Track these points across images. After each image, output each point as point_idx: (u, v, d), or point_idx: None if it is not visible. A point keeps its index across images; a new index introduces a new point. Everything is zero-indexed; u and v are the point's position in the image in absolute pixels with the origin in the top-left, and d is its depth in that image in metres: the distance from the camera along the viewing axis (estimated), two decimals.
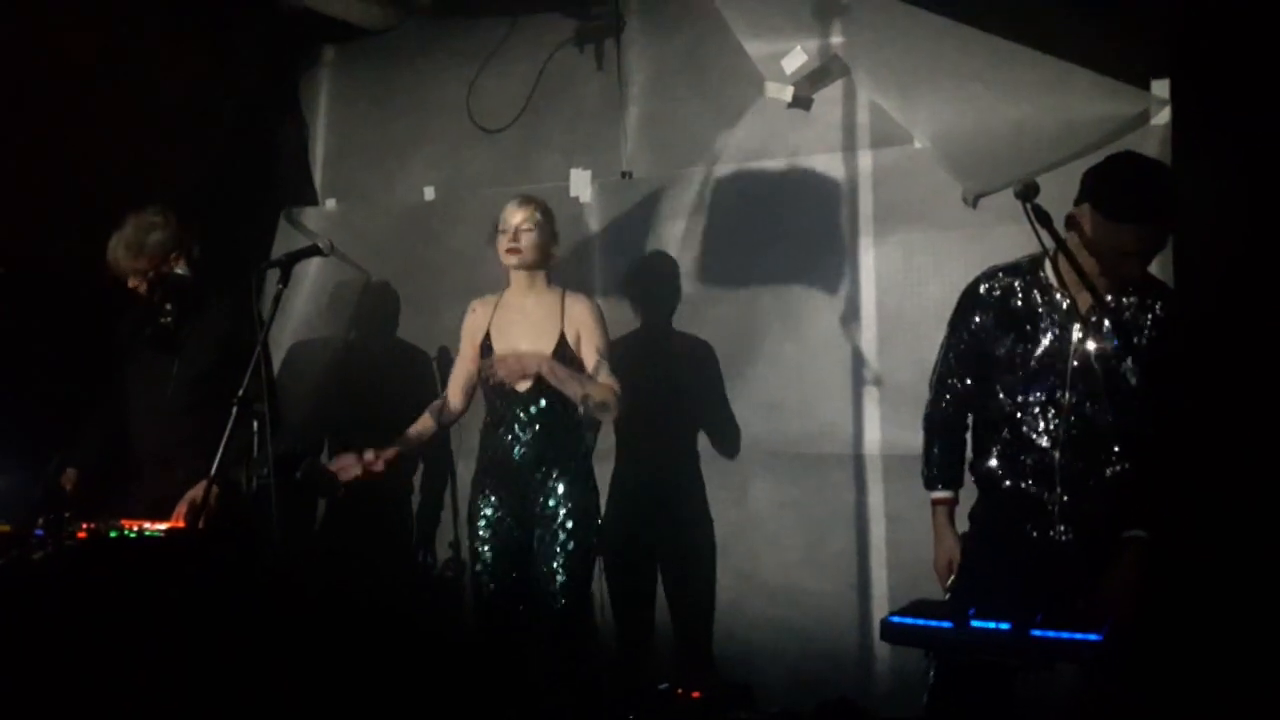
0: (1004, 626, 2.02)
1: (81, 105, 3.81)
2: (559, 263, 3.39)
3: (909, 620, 2.09)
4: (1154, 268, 2.89)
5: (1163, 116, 3.21)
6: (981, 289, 2.67)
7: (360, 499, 4.33)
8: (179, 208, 3.57)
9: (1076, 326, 2.52)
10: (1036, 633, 1.99)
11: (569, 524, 3.21)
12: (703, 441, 3.89)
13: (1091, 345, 2.49)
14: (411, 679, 3.71)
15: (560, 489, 3.23)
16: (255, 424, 2.80)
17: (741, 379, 3.83)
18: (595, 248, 4.10)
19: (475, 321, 3.38)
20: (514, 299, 3.33)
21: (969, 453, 2.75)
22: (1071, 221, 2.49)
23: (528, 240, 3.24)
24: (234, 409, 2.76)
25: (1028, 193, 2.38)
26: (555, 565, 3.19)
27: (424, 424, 3.39)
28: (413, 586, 4.19)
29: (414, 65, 4.48)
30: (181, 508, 3.20)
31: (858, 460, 3.60)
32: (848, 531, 3.60)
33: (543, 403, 3.24)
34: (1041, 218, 2.33)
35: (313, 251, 2.99)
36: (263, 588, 3.00)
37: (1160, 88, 3.22)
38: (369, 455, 3.23)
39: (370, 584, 3.95)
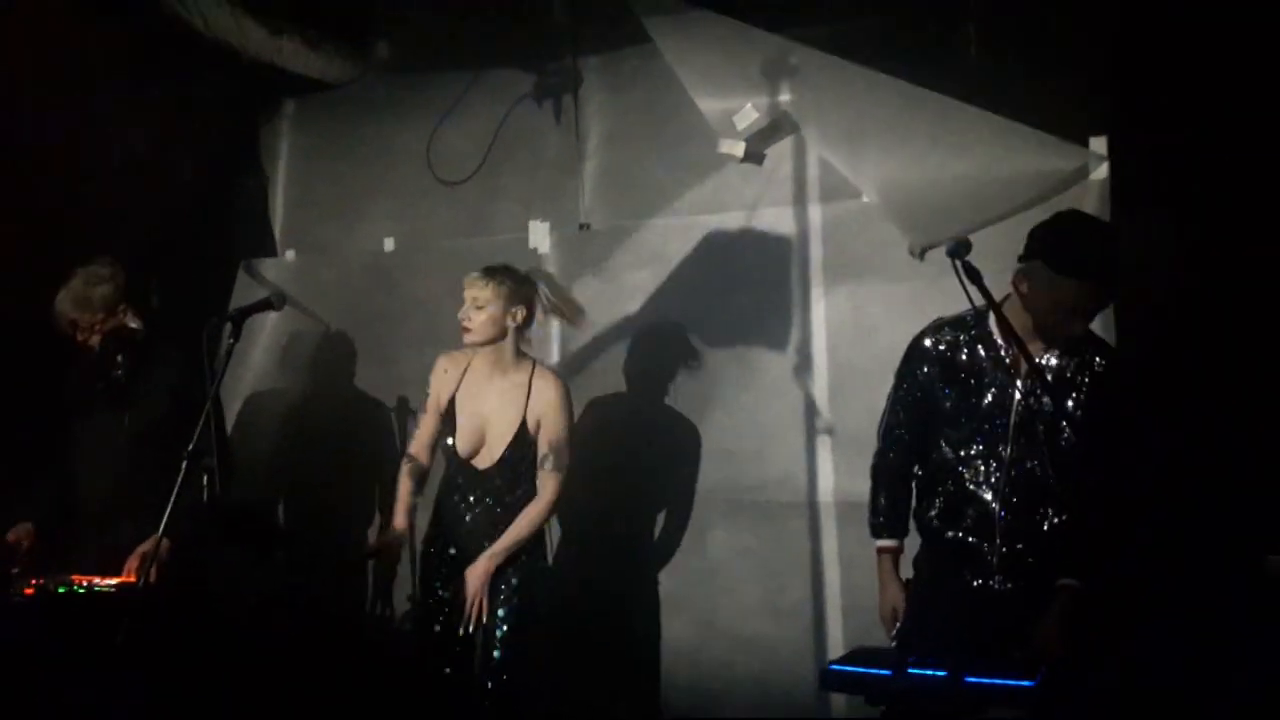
0: (939, 674, 2.04)
1: (39, 154, 3.83)
2: (529, 329, 3.37)
3: (848, 668, 2.12)
4: (1095, 323, 2.98)
5: (1101, 172, 3.30)
6: (926, 342, 2.73)
7: (316, 552, 4.34)
8: (137, 258, 3.59)
9: (1019, 381, 2.58)
10: (971, 679, 2.02)
11: (513, 601, 3.23)
12: (662, 490, 3.90)
13: (1031, 401, 2.54)
14: None
15: (508, 570, 3.24)
16: (205, 478, 2.79)
17: (699, 426, 3.86)
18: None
19: (442, 383, 3.37)
20: (482, 366, 3.33)
21: (913, 502, 2.79)
22: (1018, 278, 2.55)
23: (478, 319, 3.25)
24: (184, 463, 2.76)
25: (959, 250, 2.44)
26: (494, 646, 3.23)
27: (405, 489, 3.40)
28: (370, 638, 4.15)
29: (374, 118, 4.53)
30: (133, 562, 3.18)
31: (812, 507, 3.63)
32: (804, 579, 3.62)
33: (497, 482, 3.28)
34: (972, 274, 2.39)
35: (264, 305, 3.00)
36: (215, 642, 2.98)
37: (1098, 144, 3.31)
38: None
39: (327, 636, 3.92)
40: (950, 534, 2.63)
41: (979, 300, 2.43)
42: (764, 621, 3.67)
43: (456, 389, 3.33)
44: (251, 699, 3.27)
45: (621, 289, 4.02)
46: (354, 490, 4.37)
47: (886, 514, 2.79)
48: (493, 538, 3.25)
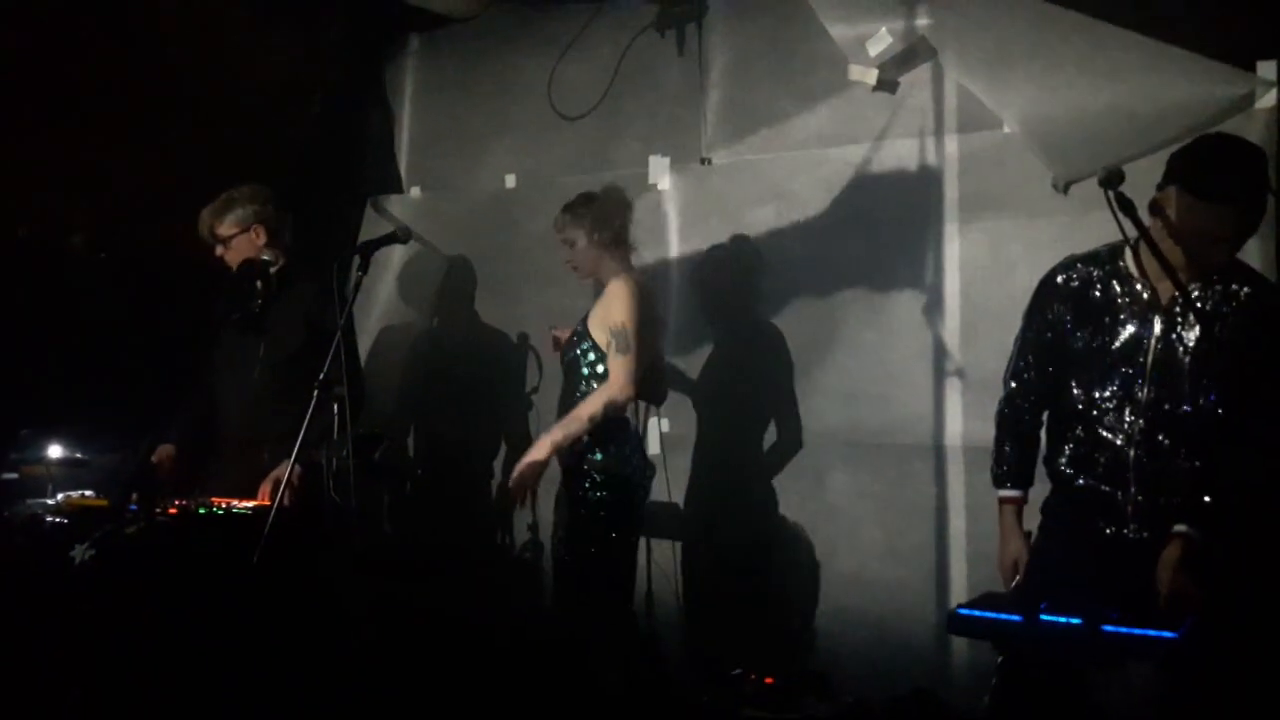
0: (1075, 622, 1.95)
1: (175, 94, 3.95)
2: (622, 246, 3.40)
3: (977, 613, 2.04)
4: (1255, 261, 2.77)
5: (1268, 99, 3.05)
6: (1058, 280, 2.60)
7: (441, 481, 4.45)
8: (272, 192, 3.70)
9: (1157, 318, 2.43)
10: (1109, 629, 1.92)
11: (599, 477, 3.25)
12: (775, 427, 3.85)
13: (1173, 337, 2.39)
14: (488, 660, 3.76)
15: (597, 457, 3.27)
16: (336, 407, 2.88)
17: (820, 368, 3.78)
18: (674, 234, 4.09)
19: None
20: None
21: (1042, 449, 2.66)
22: (1155, 207, 2.40)
23: (575, 258, 3.41)
24: (315, 392, 2.84)
25: (1111, 179, 2.31)
26: (575, 536, 3.28)
27: None
28: (491, 568, 4.25)
29: (497, 53, 4.52)
30: (266, 486, 3.31)
31: (938, 452, 3.53)
32: (927, 523, 3.53)
33: (567, 387, 3.34)
34: (1125, 205, 2.25)
35: (391, 239, 3.06)
36: (343, 566, 3.08)
37: (1267, 69, 3.07)
38: None
39: (450, 565, 4.02)
40: (1082, 481, 2.51)
41: (1131, 232, 2.28)
42: (883, 564, 3.61)
43: None
44: (376, 621, 3.39)
45: (743, 226, 3.94)
46: (481, 421, 4.44)
47: (1011, 463, 2.68)
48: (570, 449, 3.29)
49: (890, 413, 3.62)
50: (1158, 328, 2.42)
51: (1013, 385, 2.71)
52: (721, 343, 3.94)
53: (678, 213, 4.10)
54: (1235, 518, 2.36)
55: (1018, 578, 2.60)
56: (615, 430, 3.30)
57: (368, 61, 4.78)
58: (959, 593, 3.41)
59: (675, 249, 4.08)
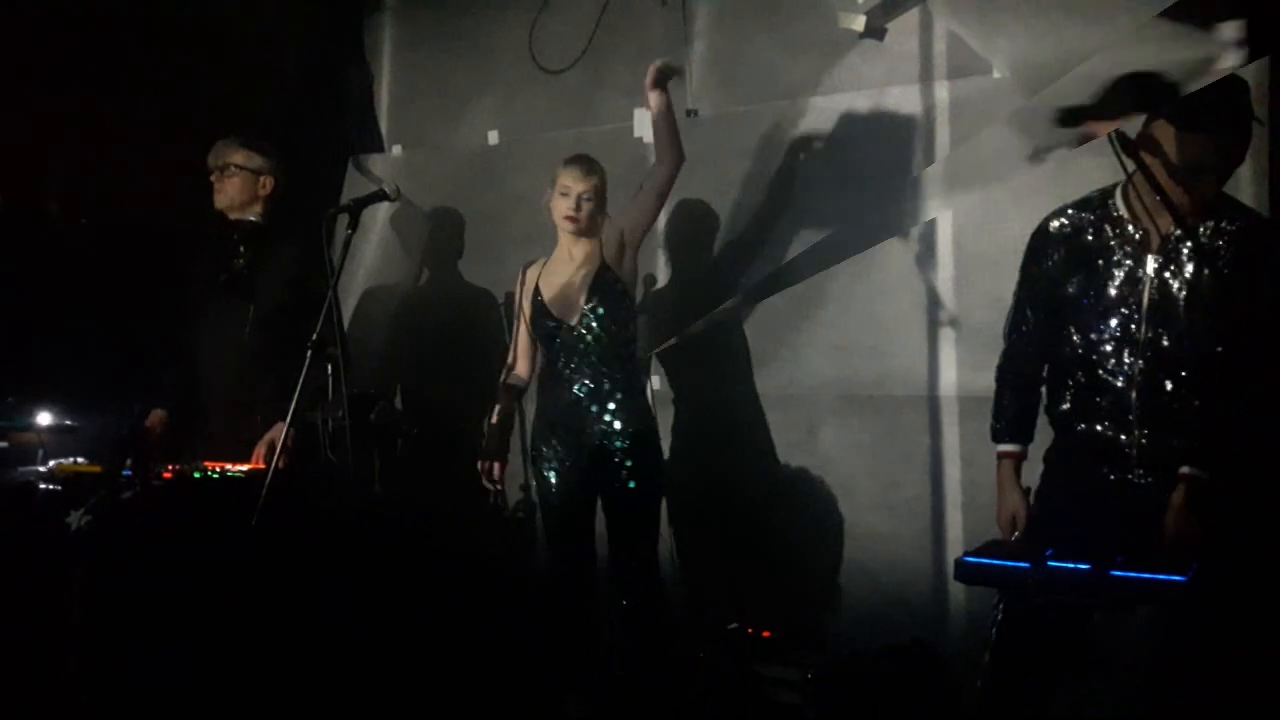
0: (1083, 566, 1.96)
1: (148, 56, 3.86)
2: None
3: (985, 560, 2.04)
4: (1246, 196, 2.76)
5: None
6: (1051, 226, 2.60)
7: (434, 442, 4.42)
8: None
9: (1150, 257, 2.42)
10: (1117, 573, 1.93)
11: (629, 463, 3.25)
12: (767, 384, 3.84)
13: (1167, 275, 2.38)
14: (483, 618, 3.76)
15: (618, 425, 3.28)
16: (329, 368, 2.84)
17: (811, 321, 3.76)
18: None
19: (526, 281, 3.46)
20: (561, 252, 3.41)
21: (1044, 398, 2.66)
22: (1141, 142, 2.38)
23: (587, 210, 3.32)
24: (308, 353, 2.80)
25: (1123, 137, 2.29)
26: (623, 509, 3.25)
27: (505, 404, 3.46)
28: (484, 527, 4.23)
29: (476, 7, 4.44)
30: (260, 449, 3.28)
31: (932, 402, 3.52)
32: (921, 474, 3.53)
33: (595, 333, 3.29)
34: (1125, 144, 2.23)
35: (379, 196, 3.01)
36: (340, 528, 3.06)
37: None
38: None
39: (443, 525, 4.00)
40: (1083, 426, 2.50)
41: (1133, 169, 2.26)
42: (878, 517, 3.61)
43: (538, 279, 3.41)
44: (371, 582, 3.38)
45: (732, 177, 3.89)
46: (467, 380, 4.41)
47: (1010, 418, 2.67)
48: (601, 407, 3.28)
49: (883, 364, 3.61)
50: (1151, 267, 2.41)
51: (1013, 338, 2.70)
52: (705, 298, 3.91)
53: None
54: (1238, 455, 2.35)
55: (1016, 533, 2.59)
56: (639, 399, 3.33)
57: (345, 18, 4.68)
58: (955, 543, 3.42)
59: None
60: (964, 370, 3.46)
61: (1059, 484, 2.60)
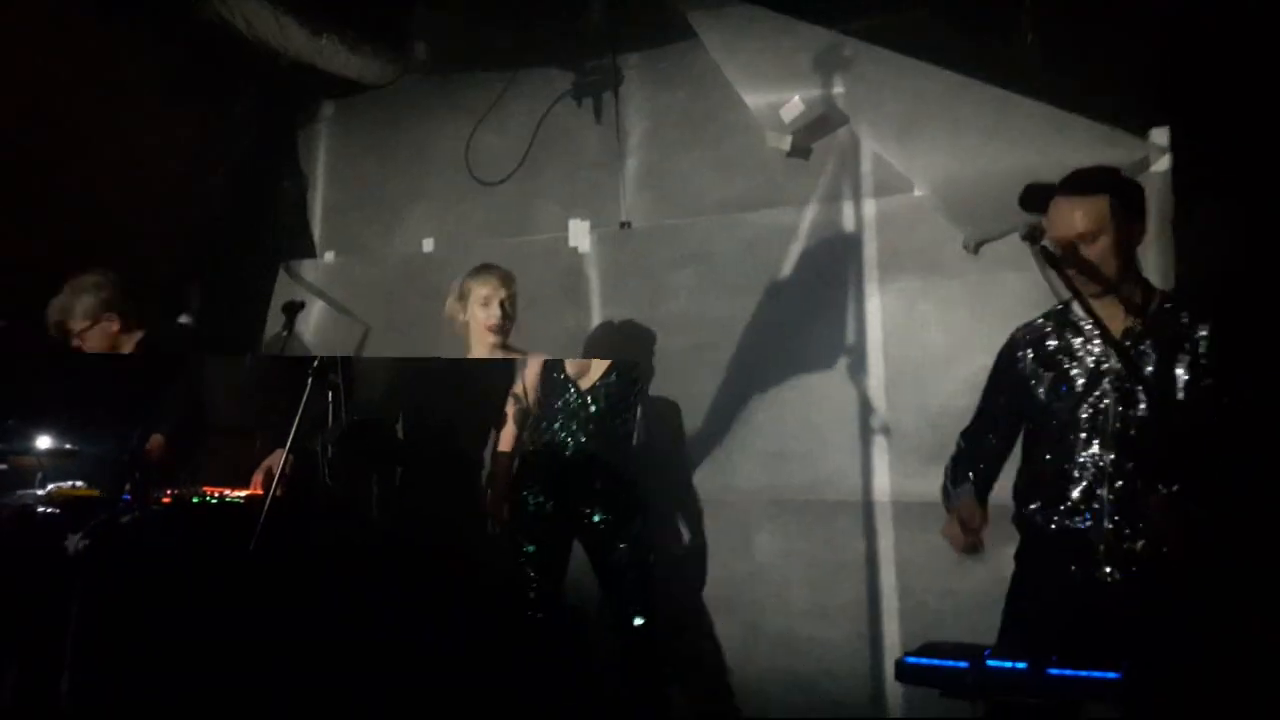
0: (1020, 666, 1.97)
1: (81, 158, 3.84)
2: None
3: (924, 660, 2.05)
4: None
5: (1162, 163, 3.23)
6: (1018, 335, 2.72)
7: (434, 469, 4.31)
8: (180, 259, 3.60)
9: (1110, 352, 2.49)
10: (1054, 671, 1.95)
11: (621, 545, 3.33)
12: (701, 488, 3.85)
13: (1128, 368, 2.44)
14: (481, 646, 3.62)
15: (601, 495, 3.34)
16: (331, 394, 2.82)
17: (745, 427, 3.80)
18: (595, 297, 4.10)
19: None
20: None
21: (1012, 503, 2.69)
22: (1051, 246, 2.47)
23: (511, 316, 3.50)
24: (309, 379, 2.77)
25: (1034, 234, 2.40)
26: (625, 594, 3.33)
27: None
28: (484, 555, 4.12)
29: (412, 120, 4.52)
30: (258, 476, 3.22)
31: (867, 507, 3.56)
32: (857, 580, 3.54)
33: (600, 404, 3.40)
34: (1050, 258, 2.33)
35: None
36: (338, 552, 3.00)
37: (1159, 135, 3.25)
38: None
39: (442, 552, 3.89)
40: (1054, 525, 2.54)
41: (1057, 283, 2.37)
42: (814, 623, 3.60)
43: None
44: (369, 607, 3.27)
45: (664, 288, 3.97)
46: (468, 410, 4.35)
47: (961, 479, 2.71)
48: (582, 465, 3.37)
49: (816, 470, 3.65)
50: (1114, 363, 2.48)
51: (975, 431, 2.76)
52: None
53: (599, 275, 4.11)
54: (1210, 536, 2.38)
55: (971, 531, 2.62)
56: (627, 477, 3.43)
57: (281, 127, 4.73)
58: (892, 649, 3.42)
59: (597, 311, 4.09)
60: (896, 476, 3.52)
61: (1028, 581, 2.62)
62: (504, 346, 3.52)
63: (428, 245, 4.47)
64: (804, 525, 3.66)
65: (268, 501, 2.69)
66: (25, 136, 3.68)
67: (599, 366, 3.46)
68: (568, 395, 3.44)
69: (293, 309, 2.98)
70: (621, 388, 3.46)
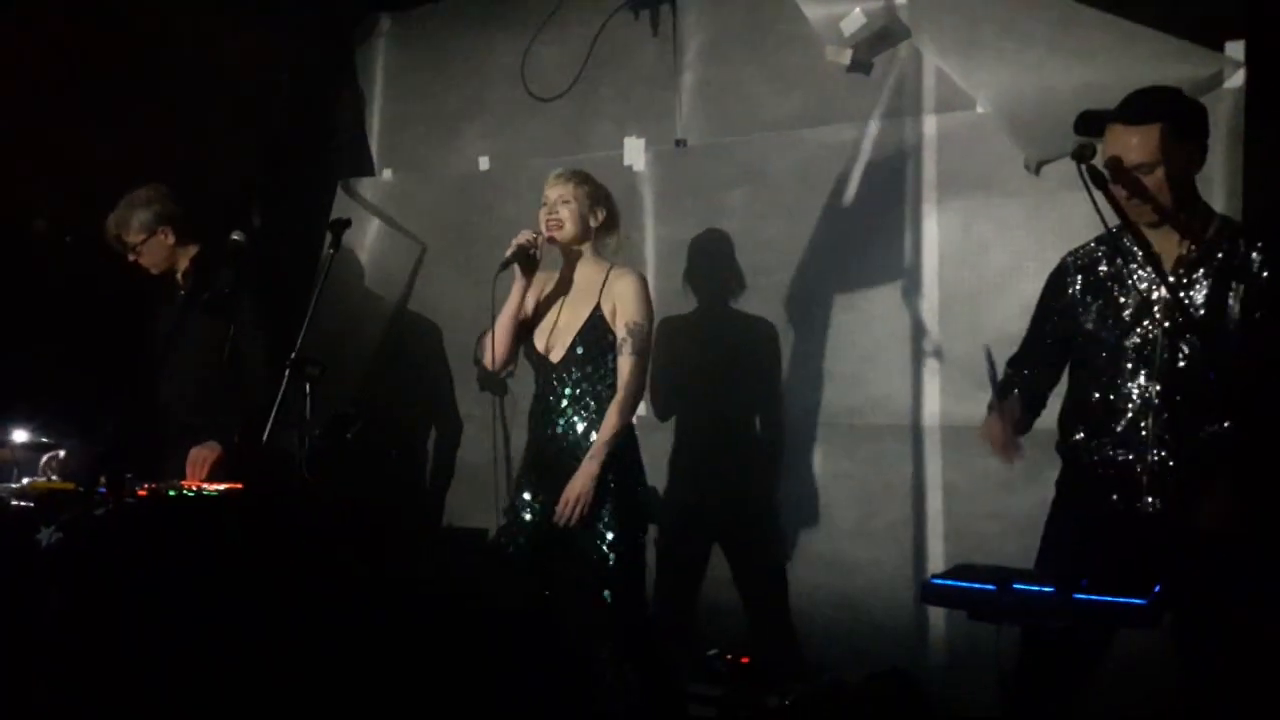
0: (1047, 589, 1.97)
1: (142, 81, 3.90)
2: (611, 235, 3.34)
3: (950, 582, 2.06)
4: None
5: (1237, 79, 3.08)
6: (1069, 259, 2.65)
7: (415, 461, 4.43)
8: (238, 178, 3.66)
9: (1164, 281, 2.41)
10: (1080, 596, 1.94)
11: (611, 499, 3.15)
12: (749, 412, 3.85)
13: (1182, 298, 2.39)
14: (464, 646, 3.74)
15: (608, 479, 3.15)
16: (308, 386, 2.84)
17: (795, 350, 3.78)
18: (649, 217, 4.08)
19: (522, 296, 3.32)
20: (563, 273, 3.34)
21: (1054, 430, 2.65)
22: (1108, 166, 2.41)
23: (566, 213, 3.24)
24: (286, 371, 2.80)
25: (1083, 154, 2.34)
26: (604, 539, 3.16)
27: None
28: (467, 552, 4.23)
29: (469, 35, 4.49)
30: (193, 468, 3.34)
31: (915, 431, 3.53)
32: (902, 503, 3.54)
33: (578, 374, 3.21)
34: (1097, 179, 2.26)
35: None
36: (315, 548, 3.05)
37: (1235, 49, 3.09)
38: None
39: (420, 549, 4.00)
40: (1096, 455, 2.51)
41: (1103, 205, 2.30)
42: (859, 544, 3.62)
43: (538, 296, 3.32)
44: (347, 604, 3.36)
45: (720, 208, 3.93)
46: (437, 409, 4.44)
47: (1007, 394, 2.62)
48: (582, 439, 3.19)
49: (865, 393, 3.63)
50: (1164, 292, 2.41)
51: (1023, 355, 2.71)
52: (702, 327, 3.91)
53: (653, 195, 4.08)
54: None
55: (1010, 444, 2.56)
56: (625, 445, 3.21)
57: (338, 43, 4.73)
58: (936, 571, 3.41)
59: (651, 231, 4.07)
60: (947, 400, 3.48)
61: (1067, 511, 2.60)
62: (583, 266, 3.28)
63: (484, 163, 4.47)
64: (852, 448, 3.65)
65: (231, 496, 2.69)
66: (85, 50, 3.75)
67: (566, 333, 3.22)
68: (548, 374, 3.25)
69: (339, 227, 2.99)
70: (596, 349, 3.20)
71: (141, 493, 2.98)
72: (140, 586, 2.75)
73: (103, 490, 2.93)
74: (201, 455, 3.37)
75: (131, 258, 3.61)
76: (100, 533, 2.80)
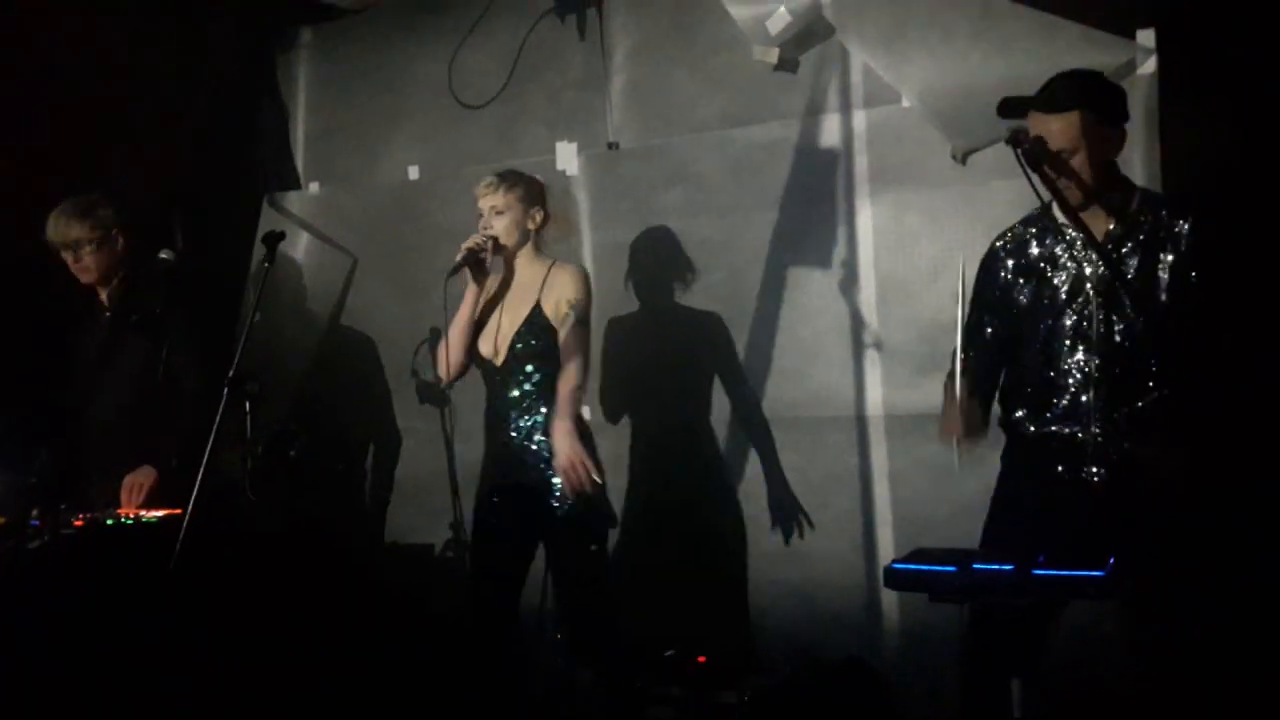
0: (1006, 567, 2.01)
1: (58, 95, 3.78)
2: (551, 229, 3.36)
3: (912, 566, 2.09)
4: None
5: (1149, 66, 3.17)
6: (998, 244, 2.71)
7: (356, 478, 4.36)
8: (160, 195, 3.56)
9: (1093, 256, 2.49)
10: (1038, 572, 1.99)
11: (570, 517, 3.16)
12: (713, 411, 3.86)
13: (1111, 272, 2.45)
14: (414, 658, 3.69)
15: (559, 481, 3.15)
16: (247, 404, 2.78)
17: (737, 347, 3.80)
18: (585, 220, 4.07)
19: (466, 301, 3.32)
20: (504, 275, 3.34)
21: (997, 409, 2.70)
22: (1035, 146, 2.46)
23: (500, 225, 3.24)
24: (225, 390, 2.74)
25: (1018, 139, 2.39)
26: (565, 539, 3.18)
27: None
28: (412, 565, 4.18)
29: (393, 43, 4.43)
30: (132, 495, 3.24)
31: (860, 421, 3.58)
32: (850, 493, 3.58)
33: (522, 377, 3.21)
34: (1033, 161, 2.32)
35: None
36: (263, 570, 2.99)
37: (1146, 37, 3.19)
38: None
39: (367, 563, 3.94)
40: (1039, 429, 2.56)
41: (1041, 187, 2.36)
42: (809, 536, 3.65)
43: (478, 300, 3.30)
44: (298, 626, 3.29)
45: (654, 209, 3.94)
46: (374, 424, 4.39)
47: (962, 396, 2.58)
48: (537, 449, 3.17)
49: (808, 386, 3.66)
50: (1096, 266, 2.48)
51: (966, 346, 2.66)
52: (647, 326, 3.91)
53: (588, 198, 4.07)
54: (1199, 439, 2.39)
55: (962, 437, 2.54)
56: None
57: (258, 55, 4.64)
58: (885, 559, 3.44)
59: (587, 235, 4.06)
60: (889, 389, 3.53)
61: (1014, 484, 2.65)
62: (537, 257, 3.28)
63: (413, 173, 4.42)
64: (797, 440, 3.68)
65: (185, 522, 2.61)
66: None
67: (508, 334, 3.22)
68: (493, 379, 3.25)
69: (273, 240, 2.93)
70: (538, 346, 3.20)
71: (78, 523, 2.89)
72: (81, 620, 2.67)
73: (35, 523, 2.83)
74: (137, 481, 3.27)
75: (70, 259, 3.45)
76: (35, 567, 2.70)
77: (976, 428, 2.59)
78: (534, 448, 3.20)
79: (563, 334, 3.18)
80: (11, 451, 3.30)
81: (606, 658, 3.22)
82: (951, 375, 2.64)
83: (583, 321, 3.21)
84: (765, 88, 3.74)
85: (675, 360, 3.87)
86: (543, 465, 3.19)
